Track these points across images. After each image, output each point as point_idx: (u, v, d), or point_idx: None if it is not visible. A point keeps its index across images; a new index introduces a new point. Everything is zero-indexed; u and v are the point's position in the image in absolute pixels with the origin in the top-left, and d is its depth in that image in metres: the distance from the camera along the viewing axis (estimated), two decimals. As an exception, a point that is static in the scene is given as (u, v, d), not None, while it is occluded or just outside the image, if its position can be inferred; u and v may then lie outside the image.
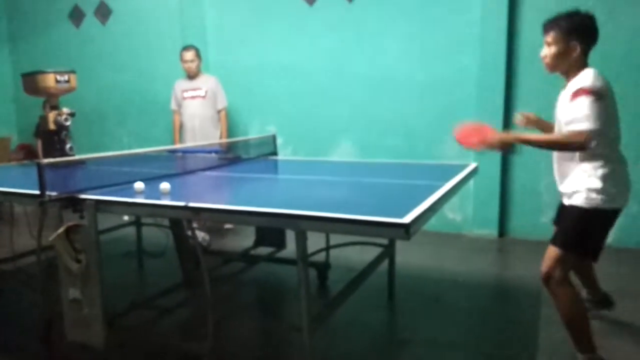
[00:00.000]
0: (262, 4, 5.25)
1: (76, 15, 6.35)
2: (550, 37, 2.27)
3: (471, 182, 4.32)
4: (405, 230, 1.64)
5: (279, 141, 4.81)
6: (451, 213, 4.73)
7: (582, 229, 2.22)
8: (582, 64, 2.23)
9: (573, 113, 2.11)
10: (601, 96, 2.09)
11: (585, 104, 2.08)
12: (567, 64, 2.25)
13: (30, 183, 2.40)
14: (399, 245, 3.26)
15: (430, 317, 2.99)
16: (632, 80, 3.97)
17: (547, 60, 2.30)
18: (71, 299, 2.34)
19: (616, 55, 3.97)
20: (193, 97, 4.83)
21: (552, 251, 2.26)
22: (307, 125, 5.20)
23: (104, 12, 6.16)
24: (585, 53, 2.24)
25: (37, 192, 2.21)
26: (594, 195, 2.18)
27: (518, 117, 2.67)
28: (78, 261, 2.27)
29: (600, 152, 2.16)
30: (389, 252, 3.19)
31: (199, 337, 2.65)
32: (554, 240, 2.29)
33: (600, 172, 2.18)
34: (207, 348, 2.31)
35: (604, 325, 2.75)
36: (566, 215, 2.31)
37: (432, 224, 4.52)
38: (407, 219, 1.67)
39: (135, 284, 3.78)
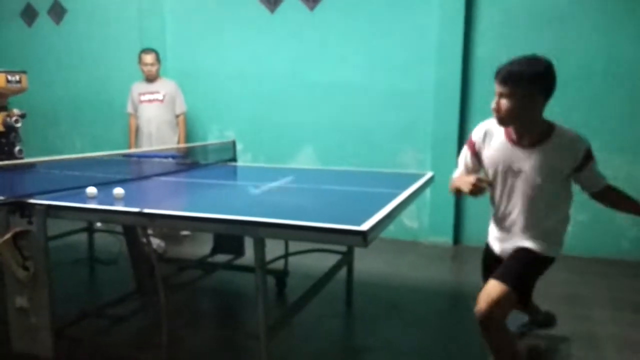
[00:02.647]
0: (223, 10, 5.21)
1: (29, 14, 6.12)
2: (508, 89, 2.02)
3: (428, 191, 4.41)
4: (363, 238, 1.66)
5: (239, 147, 4.76)
6: (408, 221, 4.81)
7: (533, 272, 2.19)
8: (542, 118, 2.10)
9: (596, 174, 2.13)
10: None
11: (596, 163, 2.12)
12: (527, 119, 2.06)
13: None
14: (358, 252, 3.28)
15: (388, 324, 3.02)
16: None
17: (503, 114, 2.05)
18: (18, 308, 2.24)
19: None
20: (150, 101, 4.74)
21: (498, 287, 2.03)
22: (268, 132, 5.19)
23: (58, 12, 5.96)
24: (544, 106, 2.09)
25: (-19, 196, 2.11)
26: (555, 247, 2.20)
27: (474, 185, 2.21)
28: (25, 268, 2.18)
29: (568, 208, 2.23)
30: (347, 259, 3.21)
31: (154, 347, 2.58)
32: (502, 277, 2.07)
33: (565, 227, 2.24)
34: (162, 358, 2.25)
35: (553, 338, 2.84)
36: (519, 257, 2.18)
37: (390, 231, 4.62)
38: (364, 226, 1.69)
39: (86, 292, 3.65)
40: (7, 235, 2.15)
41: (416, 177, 2.95)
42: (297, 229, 1.76)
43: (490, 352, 2.13)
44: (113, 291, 3.19)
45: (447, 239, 4.65)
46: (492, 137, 2.21)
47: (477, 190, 2.10)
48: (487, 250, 2.45)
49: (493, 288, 2.04)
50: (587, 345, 2.71)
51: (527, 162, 2.11)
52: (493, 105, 2.08)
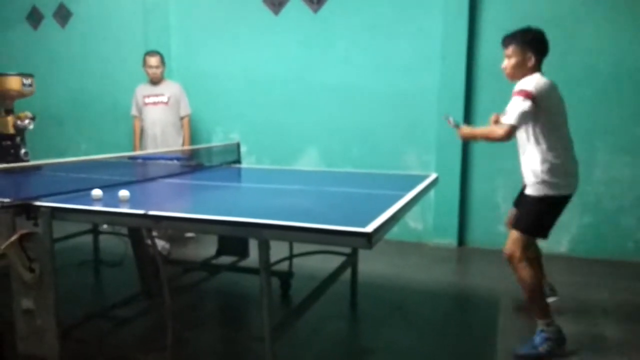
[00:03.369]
0: (227, 12, 5.23)
1: (34, 17, 6.17)
2: (509, 50, 2.61)
3: (432, 192, 4.42)
4: (368, 240, 1.66)
5: (243, 149, 4.78)
6: (413, 222, 4.81)
7: (536, 214, 2.59)
8: (535, 72, 2.57)
9: (507, 109, 2.49)
10: (532, 97, 2.42)
11: (516, 102, 2.45)
12: (523, 72, 2.57)
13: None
14: (362, 253, 3.28)
15: (392, 325, 3.02)
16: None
17: (508, 70, 2.64)
18: (24, 310, 2.25)
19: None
20: (155, 104, 4.76)
21: (514, 234, 2.60)
22: (272, 134, 5.20)
23: (63, 15, 6.00)
24: (539, 62, 2.59)
25: (-12, 198, 2.12)
26: (541, 185, 2.54)
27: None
28: (31, 270, 2.19)
29: (544, 148, 2.52)
30: (351, 260, 3.21)
31: (159, 349, 2.60)
32: (516, 225, 2.64)
33: (545, 164, 2.52)
34: (167, 359, 2.26)
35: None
36: (524, 203, 2.66)
37: (394, 232, 4.60)
38: (369, 228, 1.69)
39: (91, 293, 3.67)
40: (14, 237, 2.16)
41: (420, 178, 2.95)
42: (302, 231, 1.76)
43: (518, 282, 2.61)
44: (118, 293, 3.20)
45: (451, 240, 4.65)
46: None
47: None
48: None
49: (511, 234, 2.64)
50: (591, 347, 2.70)
51: None
52: (502, 65, 2.67)
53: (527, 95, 2.43)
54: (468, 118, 4.46)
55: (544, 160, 2.53)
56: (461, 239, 4.68)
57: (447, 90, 4.47)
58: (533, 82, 2.47)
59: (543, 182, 2.53)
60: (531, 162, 2.58)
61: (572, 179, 2.60)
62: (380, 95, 4.75)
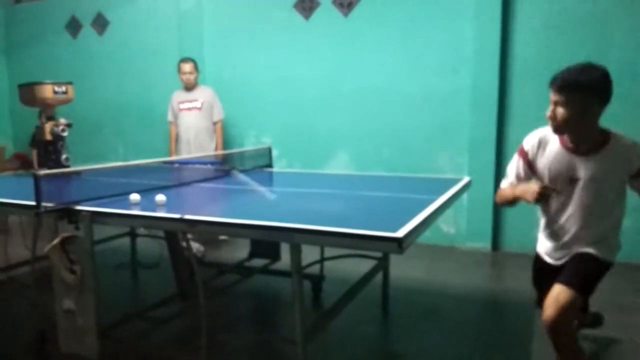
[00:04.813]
0: (259, 18, 5.30)
1: (73, 26, 6.38)
2: (564, 97, 2.02)
3: (465, 196, 4.36)
4: (399, 245, 1.66)
5: (275, 153, 4.83)
6: (445, 226, 4.76)
7: (596, 276, 2.15)
8: (599, 127, 2.10)
9: None
10: None
11: None
12: (583, 127, 2.06)
13: (25, 193, 2.41)
14: (394, 257, 3.27)
15: (424, 330, 3.00)
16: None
17: (558, 122, 2.05)
18: (65, 310, 2.34)
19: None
20: (189, 109, 4.86)
21: (566, 292, 2.03)
22: (303, 138, 5.23)
23: (101, 24, 6.20)
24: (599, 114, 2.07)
25: (33, 202, 2.22)
26: (613, 249, 2.19)
27: (534, 193, 2.27)
28: (73, 272, 2.28)
29: (622, 210, 2.19)
30: (383, 264, 3.20)
31: (193, 349, 2.65)
32: (568, 282, 2.07)
33: (619, 229, 2.21)
34: (201, 360, 2.31)
35: (592, 340, 2.77)
36: (580, 261, 2.17)
37: (426, 236, 4.56)
38: (400, 233, 1.70)
39: (129, 295, 3.78)
40: (56, 241, 2.26)
41: (453, 182, 2.93)
42: (332, 235, 1.78)
43: (558, 357, 2.11)
44: (155, 294, 3.29)
45: (485, 244, 4.58)
46: (546, 145, 2.20)
47: (543, 197, 2.12)
48: (538, 260, 2.42)
49: (561, 293, 2.04)
50: (632, 355, 2.62)
51: (585, 169, 2.11)
52: (548, 113, 2.07)
53: None
54: (501, 119, 4.39)
55: (620, 223, 2.21)
56: (495, 243, 4.61)
57: (480, 92, 4.42)
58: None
59: (615, 248, 2.19)
60: (612, 225, 2.19)
61: None
62: (412, 97, 4.73)
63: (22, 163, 6.26)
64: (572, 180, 2.14)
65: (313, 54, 5.10)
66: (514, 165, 2.36)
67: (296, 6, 5.09)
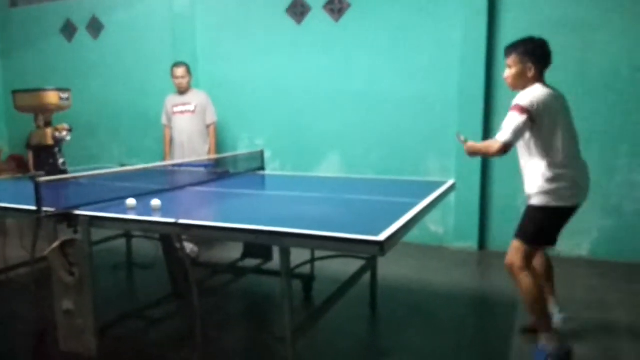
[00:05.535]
0: (251, 22, 5.40)
1: (68, 30, 6.46)
2: (510, 60, 2.63)
3: (452, 197, 4.49)
4: (380, 248, 1.78)
5: (267, 154, 4.94)
6: (433, 226, 4.88)
7: (536, 224, 2.58)
8: (536, 82, 2.57)
9: (503, 124, 2.50)
10: (527, 111, 2.44)
11: (511, 117, 2.48)
12: (524, 82, 2.60)
13: (24, 197, 2.51)
14: (383, 257, 3.38)
15: (411, 328, 3.12)
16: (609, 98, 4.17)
17: (509, 80, 2.66)
18: (65, 310, 2.44)
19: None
20: (182, 112, 4.95)
21: (515, 244, 2.62)
22: (295, 140, 5.34)
23: (95, 27, 6.28)
24: (540, 73, 2.60)
25: (33, 207, 2.32)
26: (543, 196, 2.53)
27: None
28: (72, 274, 2.38)
29: (544, 159, 2.52)
30: (371, 264, 3.31)
31: (188, 347, 2.76)
32: (517, 234, 2.64)
33: (546, 175, 2.52)
34: (195, 358, 2.41)
35: (571, 336, 2.89)
36: (526, 212, 2.65)
37: (415, 236, 4.72)
38: (382, 236, 1.81)
39: (125, 294, 3.87)
40: (55, 244, 2.36)
41: (437, 185, 3.05)
42: (319, 239, 1.89)
43: (520, 293, 2.61)
44: (150, 294, 3.39)
45: (472, 244, 4.71)
46: None
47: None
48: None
49: (512, 244, 2.64)
50: (608, 351, 2.75)
51: None
52: (504, 74, 2.69)
53: (522, 110, 2.44)
54: (487, 123, 4.52)
55: (546, 172, 2.51)
56: (482, 243, 4.74)
57: (467, 95, 4.54)
58: (529, 95, 2.48)
59: (545, 193, 2.52)
60: (534, 174, 2.57)
61: (579, 190, 2.56)
62: (401, 101, 4.84)
63: (18, 165, 6.32)
64: None
65: (305, 58, 5.20)
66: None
67: (288, 11, 5.19)
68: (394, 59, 4.84)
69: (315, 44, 5.14)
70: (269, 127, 5.47)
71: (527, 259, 2.59)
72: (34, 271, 2.72)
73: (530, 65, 2.57)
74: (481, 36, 4.43)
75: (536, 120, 2.46)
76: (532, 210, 2.60)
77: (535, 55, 2.57)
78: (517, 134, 2.46)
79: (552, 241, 2.62)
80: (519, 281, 2.58)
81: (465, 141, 2.69)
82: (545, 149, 2.52)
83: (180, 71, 4.89)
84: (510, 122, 2.47)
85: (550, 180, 2.51)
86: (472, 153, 2.65)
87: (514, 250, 2.61)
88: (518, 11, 4.38)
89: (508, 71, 2.64)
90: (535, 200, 2.57)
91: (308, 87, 5.22)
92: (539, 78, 2.59)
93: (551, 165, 2.51)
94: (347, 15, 4.96)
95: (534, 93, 2.49)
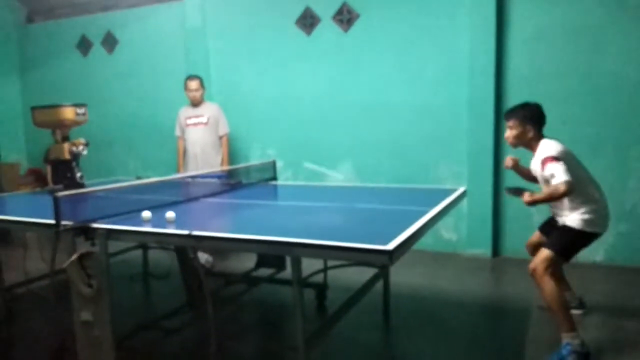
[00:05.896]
0: (262, 35, 5.48)
1: (84, 45, 6.60)
2: (511, 123, 2.98)
3: (465, 203, 4.49)
4: (389, 257, 1.81)
5: (280, 165, 4.99)
6: (447, 233, 4.88)
7: (570, 241, 2.86)
8: (537, 140, 2.92)
9: (549, 175, 2.71)
10: (559, 159, 2.72)
11: (552, 167, 2.71)
12: (525, 141, 2.97)
13: (42, 211, 2.58)
14: (397, 264, 3.37)
15: (424, 336, 3.13)
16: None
17: (510, 140, 3.00)
18: (83, 321, 2.50)
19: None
20: (195, 124, 5.02)
21: (545, 252, 2.82)
22: (307, 150, 5.38)
23: (110, 42, 6.41)
24: (539, 131, 2.94)
25: (52, 221, 2.38)
26: (580, 222, 2.83)
27: (508, 161, 3.20)
28: (90, 286, 2.44)
29: (578, 197, 2.79)
30: (383, 272, 3.33)
31: (203, 357, 2.80)
32: (549, 245, 2.86)
33: (582, 211, 2.83)
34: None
35: (588, 342, 2.88)
36: (560, 229, 2.92)
37: (428, 243, 4.74)
38: (390, 245, 1.84)
39: (142, 305, 3.93)
40: (74, 257, 2.42)
41: (448, 192, 3.07)
42: (329, 249, 1.92)
43: (542, 297, 2.80)
44: (166, 304, 3.44)
45: (485, 250, 4.70)
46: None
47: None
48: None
49: (540, 252, 2.84)
50: (623, 356, 2.73)
51: (533, 165, 3.00)
52: (505, 135, 3.06)
53: (556, 159, 2.72)
54: (498, 129, 4.52)
55: (580, 208, 2.81)
56: (495, 249, 4.72)
57: (477, 103, 4.55)
58: (550, 148, 2.80)
59: (584, 220, 2.81)
60: (569, 209, 2.85)
61: (607, 220, 2.90)
62: (412, 109, 4.87)
63: (37, 178, 6.46)
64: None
65: (315, 69, 5.26)
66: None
67: (297, 22, 5.26)
68: (403, 68, 4.87)
69: (325, 55, 5.20)
70: (280, 137, 5.53)
71: (550, 268, 2.79)
72: (54, 283, 2.78)
73: (529, 127, 2.92)
74: (490, 43, 4.45)
75: (566, 164, 2.72)
76: (569, 230, 2.86)
77: (533, 119, 2.92)
78: (568, 173, 2.68)
79: (570, 257, 2.89)
80: (541, 284, 2.76)
81: (519, 192, 2.90)
82: (578, 189, 2.74)
83: (193, 84, 4.98)
84: (556, 169, 2.69)
85: (590, 211, 2.81)
86: (534, 203, 2.82)
87: (542, 257, 2.80)
88: (525, 15, 4.39)
89: (509, 132, 2.99)
90: (574, 223, 2.83)
91: (319, 97, 5.27)
92: (539, 135, 2.93)
93: (585, 201, 2.81)
94: (356, 26, 5.01)
95: (551, 145, 2.83)
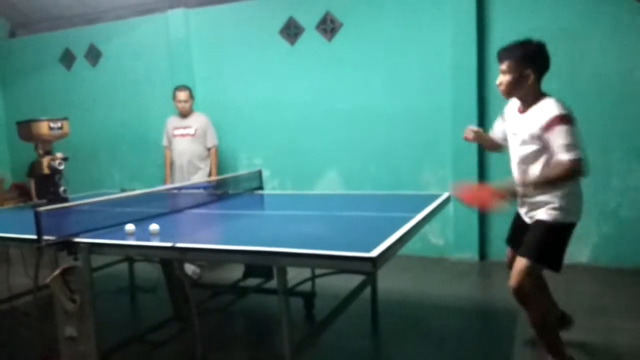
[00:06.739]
0: (246, 45, 5.49)
1: (67, 58, 6.56)
2: (505, 66, 2.37)
3: (451, 208, 4.52)
4: (373, 264, 1.81)
5: (266, 173, 5.00)
6: (434, 238, 4.91)
7: (547, 241, 2.38)
8: (537, 90, 2.38)
9: (558, 144, 2.19)
10: (574, 121, 2.23)
11: (563, 131, 2.19)
12: (522, 90, 2.38)
13: (25, 226, 2.55)
14: (384, 270, 3.36)
15: (412, 341, 3.13)
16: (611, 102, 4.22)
17: (503, 87, 2.41)
18: (67, 337, 2.47)
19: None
20: (183, 135, 5.01)
21: (521, 263, 2.34)
22: (293, 158, 5.39)
23: (93, 55, 6.37)
24: (538, 80, 2.37)
25: (34, 237, 2.36)
26: (556, 212, 2.36)
27: (469, 133, 2.74)
28: (73, 301, 2.41)
29: None
30: (370, 279, 3.33)
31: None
32: (524, 253, 2.37)
33: (563, 191, 2.33)
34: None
35: (573, 345, 2.90)
36: (532, 229, 2.42)
37: (416, 248, 4.75)
38: (374, 252, 1.85)
39: (128, 318, 3.89)
40: (56, 272, 2.39)
41: (432, 198, 3.08)
42: (314, 257, 1.93)
43: (529, 320, 2.44)
44: (152, 317, 3.41)
45: (472, 254, 4.72)
46: (512, 109, 2.56)
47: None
48: (516, 215, 2.70)
49: (517, 264, 2.39)
50: (609, 357, 2.76)
51: (520, 125, 2.43)
52: (497, 81, 2.46)
53: (568, 120, 2.21)
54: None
55: (558, 192, 2.33)
56: (482, 253, 4.75)
57: (460, 107, 4.60)
58: (560, 104, 2.27)
59: (559, 209, 2.34)
60: (550, 196, 2.36)
61: (582, 206, 2.43)
62: (396, 115, 4.90)
63: (21, 193, 6.39)
64: (514, 134, 2.48)
65: (299, 78, 5.28)
66: (496, 123, 2.78)
67: (281, 32, 5.28)
68: (386, 74, 4.91)
69: (309, 64, 5.22)
70: (266, 146, 5.53)
71: (535, 280, 2.39)
72: (37, 299, 2.75)
73: (529, 71, 2.32)
74: (471, 47, 4.50)
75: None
76: (542, 226, 2.37)
77: (535, 61, 2.33)
78: (580, 145, 2.20)
79: (559, 263, 2.41)
80: (528, 307, 2.38)
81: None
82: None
83: (183, 95, 4.96)
84: (567, 136, 2.18)
85: (567, 194, 2.33)
86: (538, 188, 2.31)
87: (521, 271, 2.33)
88: (507, 21, 4.46)
89: (502, 77, 2.39)
90: (548, 216, 2.36)
91: (304, 105, 5.29)
92: (538, 86, 2.37)
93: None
94: (339, 35, 5.04)
95: (559, 102, 2.30)
